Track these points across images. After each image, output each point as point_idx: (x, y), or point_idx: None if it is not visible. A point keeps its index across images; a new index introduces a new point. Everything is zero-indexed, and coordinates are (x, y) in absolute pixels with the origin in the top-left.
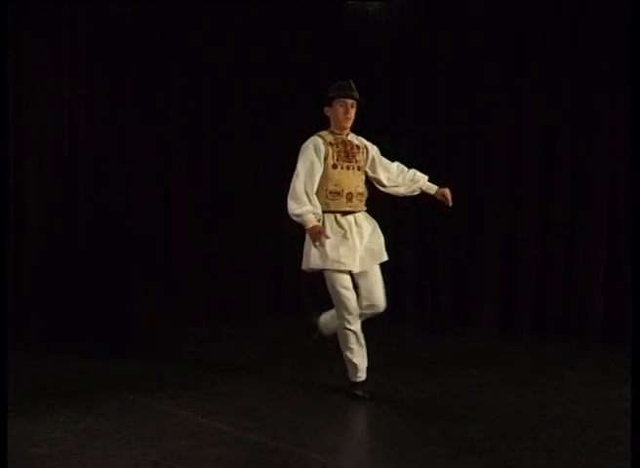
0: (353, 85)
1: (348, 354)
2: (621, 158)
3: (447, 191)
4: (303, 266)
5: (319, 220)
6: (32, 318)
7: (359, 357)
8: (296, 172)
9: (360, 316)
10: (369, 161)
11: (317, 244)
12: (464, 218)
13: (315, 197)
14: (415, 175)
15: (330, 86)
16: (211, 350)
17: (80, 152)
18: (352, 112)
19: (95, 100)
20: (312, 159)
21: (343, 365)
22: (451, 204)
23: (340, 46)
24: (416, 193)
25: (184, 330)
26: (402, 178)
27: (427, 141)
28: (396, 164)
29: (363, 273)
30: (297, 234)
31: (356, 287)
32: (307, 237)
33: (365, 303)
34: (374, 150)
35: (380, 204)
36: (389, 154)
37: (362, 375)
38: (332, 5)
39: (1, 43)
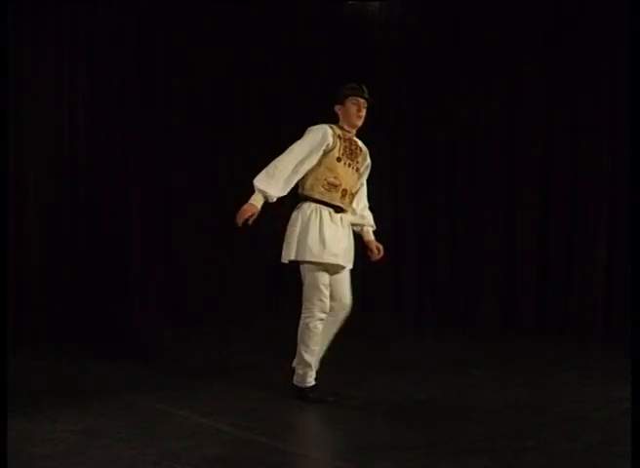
0: (366, 89)
1: (305, 353)
2: (622, 158)
3: (378, 247)
4: (292, 257)
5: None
6: (32, 318)
7: (314, 358)
8: (291, 148)
9: (331, 319)
10: (364, 167)
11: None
12: (464, 218)
13: (292, 184)
14: (367, 215)
15: (336, 87)
16: (211, 350)
17: (80, 152)
18: (364, 112)
19: (95, 100)
20: (313, 147)
21: (292, 368)
22: (375, 258)
23: (341, 46)
24: (354, 228)
25: (184, 330)
26: (359, 209)
27: (427, 141)
28: (365, 198)
29: (342, 274)
30: None
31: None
32: (291, 227)
33: (334, 302)
34: (368, 160)
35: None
36: (389, 154)
37: (312, 379)
38: (332, 5)
39: (1, 43)
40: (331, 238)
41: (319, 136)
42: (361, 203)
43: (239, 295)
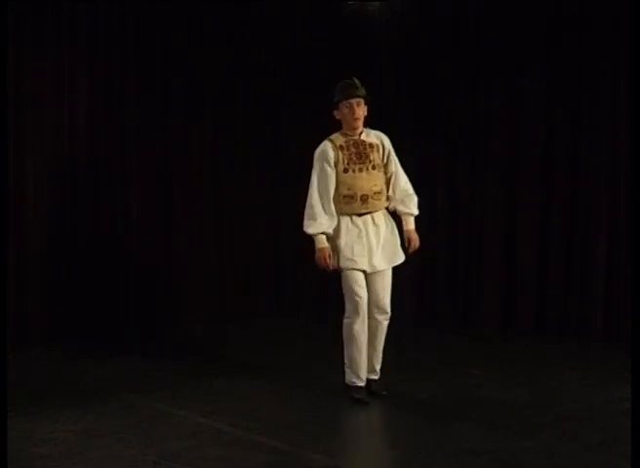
0: (357, 82)
1: (347, 353)
2: (622, 158)
3: (415, 238)
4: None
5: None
6: (32, 318)
7: (356, 358)
8: (311, 182)
9: (368, 321)
10: (385, 157)
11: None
12: (464, 218)
13: (332, 205)
14: (406, 201)
15: (333, 87)
16: (211, 350)
17: (80, 152)
18: (360, 110)
19: (95, 100)
20: (323, 167)
21: (343, 366)
22: (411, 250)
23: (340, 46)
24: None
25: (184, 330)
26: (396, 195)
27: (427, 141)
28: (401, 183)
29: (375, 275)
30: (297, 234)
31: (367, 288)
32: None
33: (371, 306)
34: (389, 147)
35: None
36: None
37: (361, 380)
38: (332, 5)
39: (1, 43)
40: (346, 243)
41: (322, 158)
42: (397, 189)
43: (239, 295)
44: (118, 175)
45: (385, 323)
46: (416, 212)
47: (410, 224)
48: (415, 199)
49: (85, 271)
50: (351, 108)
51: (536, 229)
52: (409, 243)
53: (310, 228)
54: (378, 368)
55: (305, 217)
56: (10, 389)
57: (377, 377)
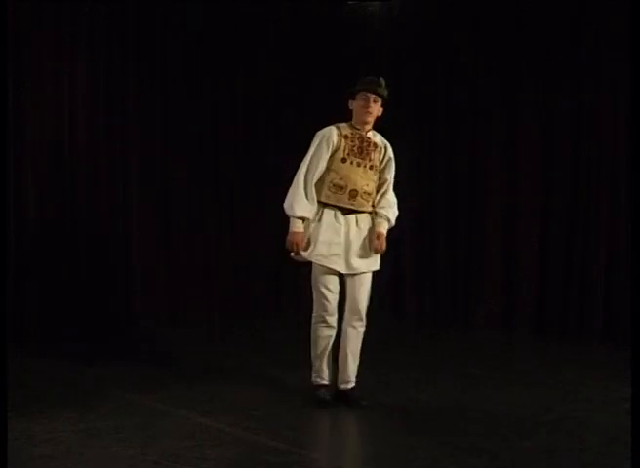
0: (383, 82)
1: (313, 354)
2: (622, 158)
3: (384, 241)
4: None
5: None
6: (32, 318)
7: (322, 361)
8: (304, 160)
9: (343, 326)
10: (384, 162)
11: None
12: (464, 218)
13: (314, 190)
14: (383, 209)
15: (336, 87)
16: (211, 350)
17: (80, 152)
18: (374, 107)
19: (95, 100)
20: (320, 147)
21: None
22: (376, 253)
23: (340, 46)
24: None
25: (184, 330)
26: (377, 203)
27: (427, 141)
28: (387, 192)
29: (353, 278)
30: None
31: (343, 289)
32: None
33: (347, 308)
34: (390, 154)
35: None
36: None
37: (323, 380)
38: (332, 5)
39: (1, 43)
40: (324, 240)
41: (323, 141)
42: (384, 198)
43: (239, 295)
44: (118, 175)
45: (361, 329)
46: (393, 222)
47: (382, 228)
48: (396, 213)
49: (85, 271)
50: (367, 101)
51: (536, 229)
52: (376, 245)
53: (296, 209)
54: (353, 378)
55: (290, 196)
56: (10, 389)
57: (351, 387)
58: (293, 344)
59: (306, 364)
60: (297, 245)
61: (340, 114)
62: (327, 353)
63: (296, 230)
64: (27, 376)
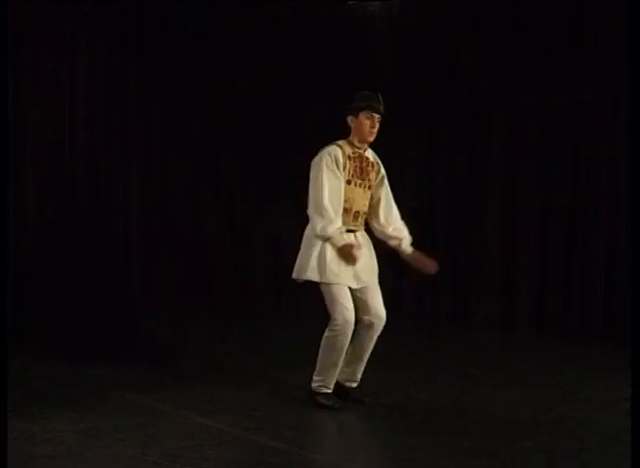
0: (381, 98)
1: (328, 363)
2: (622, 158)
3: (420, 256)
4: (295, 275)
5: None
6: (32, 318)
7: (337, 369)
8: (317, 183)
9: (363, 332)
10: (378, 179)
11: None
12: (464, 218)
13: (340, 211)
14: (401, 228)
15: (336, 86)
16: (211, 350)
17: (80, 152)
18: (377, 128)
19: (95, 100)
20: (335, 172)
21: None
22: (430, 271)
23: (340, 46)
24: (390, 243)
25: (184, 330)
26: (391, 221)
27: (427, 142)
28: (393, 208)
29: (363, 289)
30: (296, 234)
31: (355, 300)
32: (304, 246)
33: (366, 316)
34: (383, 172)
35: None
36: (389, 154)
37: (329, 388)
38: (332, 5)
39: (1, 43)
40: (332, 259)
41: (333, 161)
42: (390, 217)
43: (239, 295)
44: (118, 175)
45: (380, 329)
46: (410, 238)
47: (411, 249)
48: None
49: (85, 271)
50: (372, 121)
51: (536, 229)
52: (428, 265)
53: (329, 230)
54: (359, 377)
55: (318, 220)
56: (10, 389)
57: (355, 385)
58: (293, 344)
59: (306, 364)
60: (353, 252)
61: (339, 114)
62: (342, 361)
63: (344, 243)
64: (27, 376)
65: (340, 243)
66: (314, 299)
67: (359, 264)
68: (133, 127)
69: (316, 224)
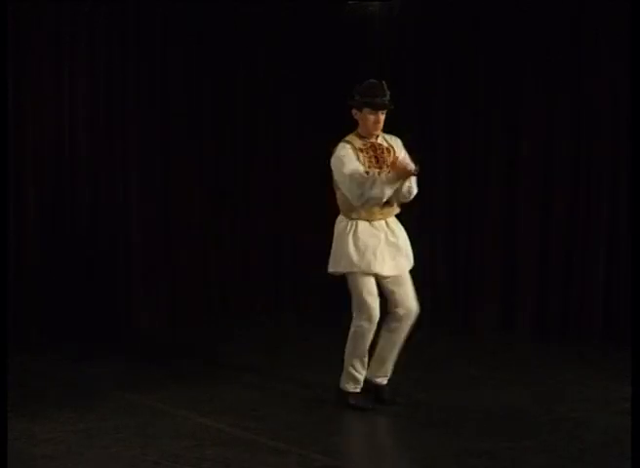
0: (385, 86)
1: (353, 361)
2: (622, 158)
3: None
4: (331, 269)
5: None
6: (32, 318)
7: (363, 368)
8: (342, 179)
9: (394, 325)
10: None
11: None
12: (464, 218)
13: None
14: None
15: (336, 86)
16: (211, 350)
17: (80, 152)
18: (382, 118)
19: (95, 100)
20: (356, 167)
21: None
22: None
23: (340, 46)
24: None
25: (184, 330)
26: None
27: (427, 141)
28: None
29: (396, 278)
30: (296, 234)
31: (387, 292)
32: (336, 240)
33: (398, 308)
34: (400, 146)
35: None
36: None
37: (358, 386)
38: (332, 5)
39: (1, 43)
40: (366, 247)
41: (351, 158)
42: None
43: (239, 295)
44: (118, 175)
45: (411, 322)
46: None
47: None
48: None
49: (85, 271)
50: (376, 117)
51: (536, 229)
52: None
53: (371, 191)
54: (390, 372)
55: (356, 190)
56: (10, 389)
57: (386, 382)
58: (293, 344)
59: (306, 363)
60: (401, 162)
61: (339, 114)
62: (366, 358)
63: (387, 174)
64: (27, 376)
65: (387, 175)
66: (314, 299)
67: (396, 252)
68: (133, 127)
69: (356, 195)
